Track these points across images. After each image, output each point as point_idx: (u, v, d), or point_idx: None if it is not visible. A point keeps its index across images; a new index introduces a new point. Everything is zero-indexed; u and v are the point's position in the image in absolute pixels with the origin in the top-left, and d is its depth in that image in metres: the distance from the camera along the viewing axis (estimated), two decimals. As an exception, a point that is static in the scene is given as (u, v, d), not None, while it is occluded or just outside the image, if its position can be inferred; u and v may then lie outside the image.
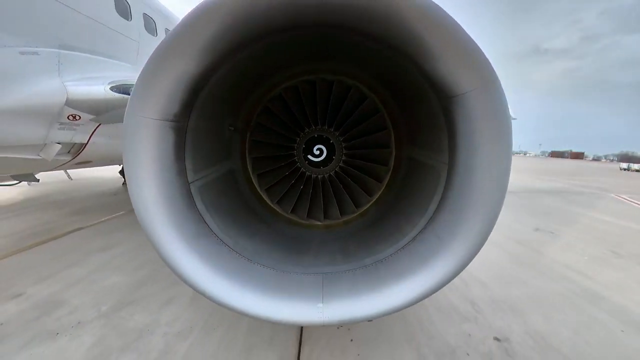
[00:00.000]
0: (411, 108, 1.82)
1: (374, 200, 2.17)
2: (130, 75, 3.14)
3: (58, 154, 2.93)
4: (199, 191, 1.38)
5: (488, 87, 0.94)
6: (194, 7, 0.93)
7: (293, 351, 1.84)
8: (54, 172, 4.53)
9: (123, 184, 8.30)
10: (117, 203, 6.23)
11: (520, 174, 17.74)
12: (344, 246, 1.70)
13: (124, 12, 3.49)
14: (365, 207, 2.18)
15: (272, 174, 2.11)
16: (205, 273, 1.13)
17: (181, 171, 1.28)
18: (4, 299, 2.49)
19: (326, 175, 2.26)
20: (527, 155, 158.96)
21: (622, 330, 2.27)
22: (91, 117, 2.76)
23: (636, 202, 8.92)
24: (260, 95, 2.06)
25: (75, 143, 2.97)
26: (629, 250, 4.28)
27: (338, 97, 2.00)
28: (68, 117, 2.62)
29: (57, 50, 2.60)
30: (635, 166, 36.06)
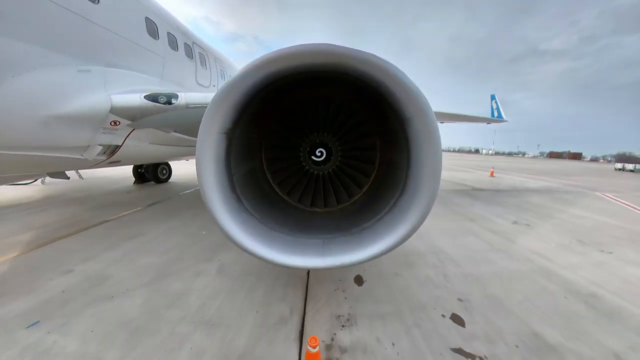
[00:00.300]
0: (386, 123, 2.38)
1: (363, 191, 2.72)
2: (158, 86, 3.68)
3: (98, 154, 3.47)
4: (237, 181, 1.95)
5: (424, 114, 1.49)
6: (240, 71, 1.52)
7: (300, 305, 2.39)
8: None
9: (134, 182, 8.75)
10: (133, 200, 6.74)
11: (515, 174, 18.31)
12: (338, 223, 2.27)
13: (153, 32, 4.04)
14: (356, 197, 2.73)
15: (283, 172, 2.68)
16: (242, 235, 1.67)
17: (228, 167, 1.82)
18: (58, 274, 3.01)
19: (326, 172, 2.81)
20: (526, 155, 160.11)
21: (565, 297, 2.82)
22: (128, 122, 3.30)
23: (618, 199, 9.47)
24: (274, 111, 2.61)
25: (112, 145, 3.51)
26: (594, 239, 4.84)
27: (334, 111, 2.57)
28: (110, 123, 3.17)
29: (103, 67, 3.15)
30: (630, 166, 36.76)
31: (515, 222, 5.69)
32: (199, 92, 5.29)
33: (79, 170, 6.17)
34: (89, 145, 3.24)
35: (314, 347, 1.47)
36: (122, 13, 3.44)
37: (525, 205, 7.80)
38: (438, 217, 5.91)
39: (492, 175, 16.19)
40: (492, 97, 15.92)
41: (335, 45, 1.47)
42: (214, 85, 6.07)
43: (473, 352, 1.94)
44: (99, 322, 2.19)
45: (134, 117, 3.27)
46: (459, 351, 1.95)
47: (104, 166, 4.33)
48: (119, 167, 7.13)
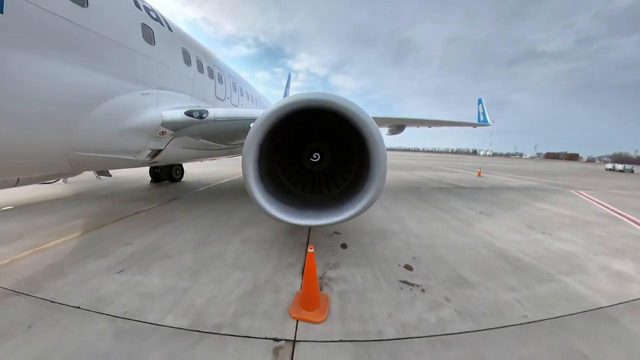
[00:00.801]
0: (357, 139, 3.49)
1: (347, 183, 3.82)
2: (191, 103, 4.80)
3: (146, 156, 4.56)
4: (263, 175, 3.09)
5: (373, 137, 2.62)
6: (270, 109, 2.66)
7: (302, 258, 3.48)
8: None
9: (151, 181, 9.77)
10: (155, 196, 7.79)
11: (502, 174, 19.45)
12: (328, 202, 3.38)
13: (187, 60, 5.16)
14: (342, 187, 3.83)
15: (290, 169, 3.80)
16: (267, 206, 2.81)
17: (259, 166, 2.94)
18: (121, 245, 4.06)
19: (320, 170, 3.93)
20: (524, 157, 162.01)
21: (493, 259, 3.90)
22: (171, 132, 4.40)
23: (588, 196, 10.51)
24: (286, 129, 3.72)
25: (156, 149, 4.60)
26: (542, 225, 5.91)
27: (326, 128, 3.69)
28: (159, 133, 4.26)
29: (156, 90, 4.25)
30: (619, 166, 38.17)
31: (480, 212, 6.80)
32: (217, 104, 6.41)
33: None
34: (141, 150, 4.34)
35: (311, 249, 2.54)
36: (169, 49, 4.58)
37: (497, 200, 8.89)
38: (416, 208, 7.02)
39: (479, 175, 17.36)
40: (479, 101, 17.06)
41: (326, 94, 2.62)
42: (228, 98, 7.23)
43: (413, 283, 3.03)
44: (167, 268, 3.27)
45: (176, 128, 4.38)
46: (404, 282, 3.04)
47: (144, 166, 5.42)
48: (127, 169, 8.03)
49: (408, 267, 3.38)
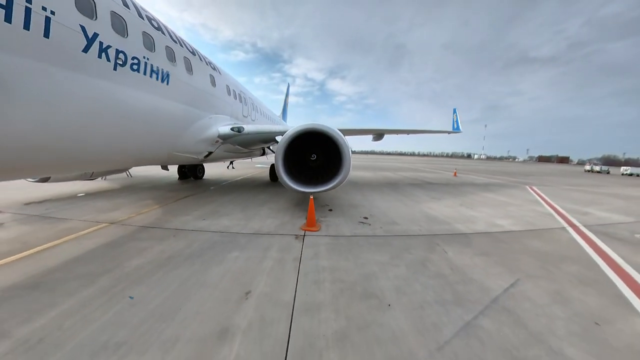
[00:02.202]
0: (336, 147, 6.15)
1: (333, 173, 6.46)
2: (233, 122, 7.48)
3: (204, 157, 7.15)
4: (287, 167, 5.74)
5: (343, 147, 5.36)
6: (288, 133, 5.39)
7: (305, 214, 6.07)
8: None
9: (179, 178, 12.24)
10: (190, 188, 10.22)
11: (477, 175, 22.26)
12: (320, 182, 6.04)
13: (228, 92, 7.86)
14: (331, 176, 6.46)
15: (300, 164, 6.47)
16: (290, 182, 5.55)
17: (285, 162, 5.60)
18: (192, 211, 6.54)
19: (316, 165, 6.58)
20: (517, 160, 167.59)
21: (420, 217, 6.51)
22: (222, 141, 7.01)
23: (536, 190, 12.81)
24: (297, 142, 6.39)
25: (210, 152, 7.19)
26: (472, 205, 8.48)
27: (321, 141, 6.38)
28: (215, 142, 6.87)
29: (215, 115, 6.90)
30: (597, 168, 41.64)
31: (433, 198, 9.45)
32: (244, 121, 9.10)
33: (129, 171, 9.52)
34: (203, 152, 6.94)
35: (311, 198, 5.24)
36: (221, 87, 7.26)
37: (454, 191, 11.53)
38: (387, 194, 9.67)
39: (454, 175, 20.15)
40: (454, 111, 19.95)
41: (319, 124, 5.34)
42: (249, 116, 9.93)
43: (366, 222, 5.66)
44: (229, 219, 5.82)
45: (225, 139, 7.01)
46: (361, 222, 5.66)
47: (197, 162, 8.02)
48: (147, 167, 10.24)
49: (365, 217, 6.03)
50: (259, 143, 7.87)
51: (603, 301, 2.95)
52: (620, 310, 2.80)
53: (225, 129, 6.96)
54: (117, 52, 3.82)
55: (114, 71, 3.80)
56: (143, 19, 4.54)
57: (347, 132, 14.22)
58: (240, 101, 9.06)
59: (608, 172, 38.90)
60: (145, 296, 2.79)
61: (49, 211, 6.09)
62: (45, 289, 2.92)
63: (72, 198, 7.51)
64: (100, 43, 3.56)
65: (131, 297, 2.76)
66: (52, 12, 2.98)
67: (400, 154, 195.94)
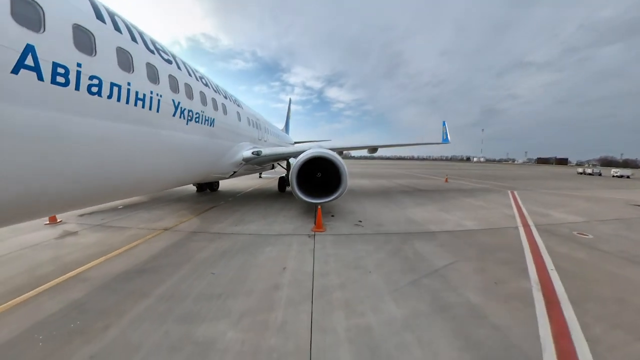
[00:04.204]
0: (335, 168, 8.03)
1: (335, 188, 8.30)
2: (252, 145, 9.44)
3: (230, 175, 9.02)
4: (300, 182, 7.60)
5: (341, 168, 7.22)
6: (300, 157, 7.29)
7: (314, 220, 7.88)
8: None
9: (197, 190, 13.96)
10: (211, 200, 11.95)
11: (467, 180, 24.04)
12: (323, 195, 7.87)
13: (248, 122, 9.82)
14: (332, 190, 8.30)
15: (308, 182, 8.34)
16: (302, 195, 7.37)
17: (300, 178, 7.45)
18: (223, 219, 8.36)
19: (321, 181, 8.44)
20: (516, 162, 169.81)
21: (402, 220, 8.31)
22: (245, 163, 8.89)
23: (514, 195, 14.55)
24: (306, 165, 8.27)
25: (235, 171, 9.05)
26: (449, 209, 10.26)
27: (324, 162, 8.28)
28: (240, 163, 8.75)
29: (241, 143, 8.83)
30: (589, 170, 43.46)
31: (417, 204, 11.26)
32: (259, 144, 11.03)
33: None
34: (230, 172, 8.81)
35: (319, 208, 7.08)
36: (245, 120, 9.22)
37: (438, 197, 13.24)
38: (377, 202, 11.48)
39: (446, 181, 21.96)
40: (443, 124, 21.89)
41: (323, 150, 7.28)
42: (262, 138, 11.90)
43: (360, 224, 7.47)
44: (255, 225, 7.62)
45: (247, 161, 8.91)
46: (356, 225, 7.47)
47: (225, 179, 9.90)
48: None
49: (360, 221, 7.89)
50: (273, 161, 9.78)
51: (509, 272, 4.71)
52: (517, 277, 4.50)
53: (247, 153, 8.89)
54: (188, 111, 5.73)
55: (186, 125, 5.71)
56: (198, 80, 6.49)
57: (346, 148, 16.14)
58: (255, 127, 11.06)
59: (600, 174, 40.64)
60: (222, 272, 4.60)
61: (105, 221, 7.72)
62: (150, 273, 4.61)
63: (115, 210, 9.15)
64: (181, 108, 5.51)
65: (213, 273, 4.54)
66: (174, 100, 5.05)
67: (400, 158, 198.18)
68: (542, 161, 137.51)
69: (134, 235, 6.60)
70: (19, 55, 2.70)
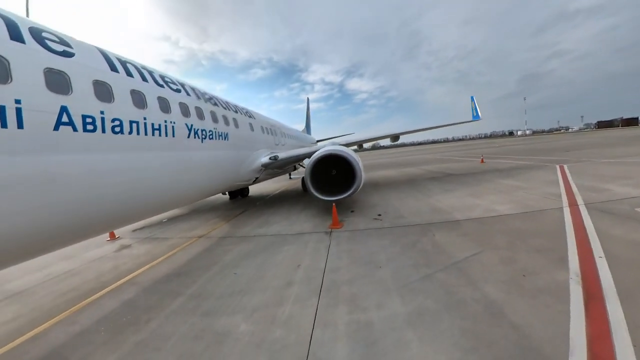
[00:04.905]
0: (350, 165, 7.81)
1: (350, 185, 8.11)
2: (269, 151, 9.79)
3: (252, 181, 9.47)
4: (315, 180, 7.67)
5: (354, 164, 7.16)
6: (313, 158, 7.36)
7: (331, 217, 7.86)
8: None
9: (229, 198, 14.75)
10: (240, 206, 12.58)
11: (507, 158, 21.46)
12: (339, 191, 7.76)
13: (263, 130, 10.23)
14: (347, 187, 8.13)
15: (323, 180, 8.35)
16: (317, 193, 7.47)
17: (314, 177, 7.56)
18: (248, 224, 8.83)
19: (337, 177, 8.36)
20: (570, 130, 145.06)
21: (426, 210, 7.78)
22: (264, 168, 9.26)
23: (563, 169, 12.50)
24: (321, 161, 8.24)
25: (257, 177, 9.47)
26: (480, 194, 9.22)
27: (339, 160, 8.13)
28: (260, 170, 9.13)
29: (257, 151, 9.25)
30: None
31: (446, 190, 10.39)
32: (276, 149, 11.36)
33: None
34: (252, 178, 9.26)
35: (334, 205, 7.11)
36: (258, 129, 9.64)
37: (470, 181, 12.01)
38: (402, 192, 10.92)
39: (482, 162, 19.88)
40: (472, 99, 19.85)
41: (336, 148, 7.40)
42: (279, 143, 12.22)
43: (378, 219, 7.21)
44: (279, 226, 7.88)
45: (266, 167, 9.27)
46: (374, 219, 7.24)
47: (245, 186, 10.44)
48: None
49: (379, 215, 7.62)
50: (292, 163, 9.99)
51: (544, 261, 4.09)
52: (553, 267, 3.85)
53: (265, 159, 9.25)
54: (201, 130, 6.25)
55: (202, 144, 6.20)
56: (207, 101, 6.97)
57: (365, 141, 15.67)
58: (271, 134, 11.52)
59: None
60: (243, 272, 4.92)
61: (153, 234, 8.70)
62: (185, 276, 5.15)
63: (161, 223, 10.17)
64: (194, 129, 6.05)
65: (235, 273, 4.87)
66: (186, 124, 5.60)
67: (433, 142, 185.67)
68: (604, 125, 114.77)
69: (173, 245, 7.33)
70: (57, 115, 3.34)
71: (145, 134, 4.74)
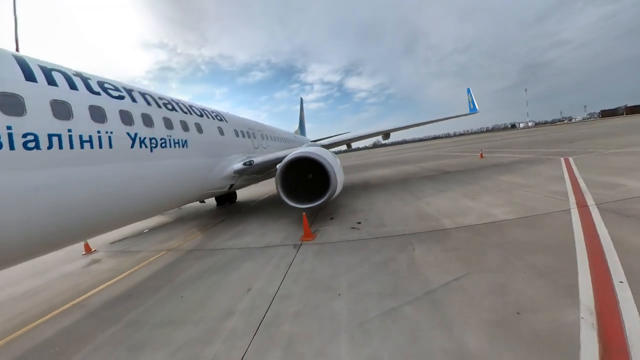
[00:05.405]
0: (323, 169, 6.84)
1: (323, 189, 7.12)
2: (245, 156, 8.89)
3: (227, 188, 8.60)
4: (286, 186, 6.77)
5: (327, 167, 6.30)
6: (286, 159, 6.58)
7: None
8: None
9: (217, 205, 13.83)
10: (224, 213, 11.88)
11: (508, 151, 20.04)
12: (311, 199, 6.80)
13: (237, 134, 9.36)
14: (322, 193, 7.14)
15: (301, 184, 7.39)
16: (288, 199, 6.60)
17: (284, 182, 6.67)
18: (222, 235, 7.99)
19: (313, 181, 7.39)
20: (573, 120, 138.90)
21: (412, 215, 6.75)
22: (238, 175, 8.37)
23: (568, 162, 11.10)
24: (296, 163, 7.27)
25: (232, 184, 8.60)
26: (476, 193, 8.10)
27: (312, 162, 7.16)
28: (233, 177, 8.24)
29: (229, 157, 8.37)
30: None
31: (438, 190, 9.30)
32: (255, 152, 10.44)
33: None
34: (226, 185, 8.38)
35: (304, 215, 6.17)
36: (229, 133, 8.75)
37: (467, 179, 10.80)
38: (392, 194, 9.87)
39: (481, 157, 18.55)
40: (468, 92, 18.51)
41: (308, 151, 6.43)
42: (259, 146, 11.29)
43: (356, 228, 6.23)
44: (250, 237, 7.00)
45: (240, 173, 8.40)
46: (352, 228, 6.26)
47: (225, 193, 9.56)
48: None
49: (358, 223, 6.65)
50: (272, 167, 9.06)
51: (544, 292, 3.02)
52: (557, 301, 2.82)
53: (238, 165, 8.35)
54: (150, 139, 5.42)
55: (151, 153, 5.39)
56: (161, 107, 6.10)
57: (352, 140, 14.63)
58: (249, 137, 10.57)
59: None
60: (189, 296, 4.27)
61: (127, 247, 8.08)
62: (134, 298, 4.54)
63: (141, 234, 9.48)
64: (140, 138, 5.27)
65: (182, 296, 4.26)
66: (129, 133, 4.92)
67: (435, 137, 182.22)
68: (607, 114, 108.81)
69: (142, 259, 6.70)
70: None
71: (71, 147, 4.09)
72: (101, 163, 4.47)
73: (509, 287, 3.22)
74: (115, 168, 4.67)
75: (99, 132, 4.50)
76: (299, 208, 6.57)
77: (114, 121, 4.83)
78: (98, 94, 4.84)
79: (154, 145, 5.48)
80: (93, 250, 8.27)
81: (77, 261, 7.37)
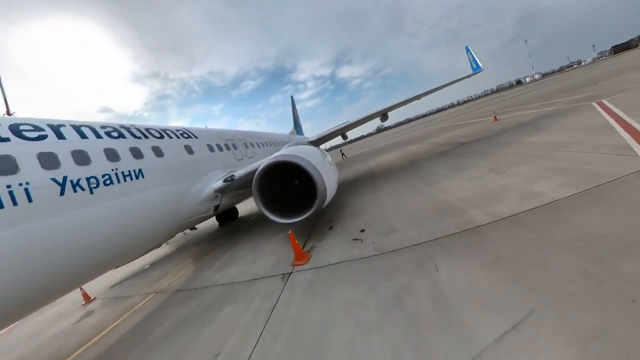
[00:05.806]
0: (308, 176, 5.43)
1: (313, 201, 5.71)
2: (224, 172, 7.72)
3: (213, 210, 7.47)
4: (266, 199, 5.53)
5: (312, 172, 4.94)
6: (263, 164, 5.42)
7: (304, 241, 5.62)
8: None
9: (219, 225, 12.78)
10: (223, 234, 10.46)
11: (523, 110, 17.52)
12: (295, 212, 5.48)
13: (212, 149, 8.13)
14: (308, 207, 5.71)
15: (285, 193, 6.09)
16: (270, 215, 5.41)
17: (263, 193, 5.49)
18: (211, 266, 6.86)
19: (300, 189, 6.05)
20: (583, 63, 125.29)
21: (428, 212, 5.20)
22: (221, 194, 7.21)
23: (606, 106, 8.92)
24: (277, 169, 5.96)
25: (217, 204, 7.46)
26: (505, 166, 6.29)
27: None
28: (215, 196, 7.10)
29: (206, 176, 7.21)
30: None
31: (456, 169, 7.55)
32: (239, 164, 9.10)
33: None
34: (210, 208, 7.27)
35: (290, 232, 4.90)
36: (201, 150, 7.58)
37: (487, 149, 8.89)
38: (401, 182, 8.30)
39: (495, 120, 16.27)
40: (467, 50, 16.15)
41: (288, 154, 5.20)
42: (244, 156, 10.00)
43: (360, 239, 4.84)
44: (237, 267, 5.84)
45: (222, 191, 7.23)
46: (355, 239, 4.89)
47: (214, 215, 8.44)
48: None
49: (362, 230, 5.22)
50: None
51: None
52: None
53: (218, 183, 7.16)
54: (87, 179, 4.34)
55: (91, 195, 4.34)
56: (101, 137, 5.00)
57: (347, 128, 13.04)
58: (229, 149, 9.24)
59: None
60: None
61: (122, 291, 7.39)
62: None
63: (142, 272, 8.69)
64: (71, 181, 4.17)
65: None
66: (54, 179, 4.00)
67: (439, 110, 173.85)
68: (620, 48, 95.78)
69: (130, 306, 6.09)
70: None
71: None
72: (16, 224, 3.41)
73: (613, 337, 1.74)
74: (39, 226, 3.60)
75: (8, 186, 3.45)
76: (282, 224, 5.38)
77: (30, 169, 3.78)
78: (6, 140, 3.80)
79: (94, 186, 4.36)
80: (92, 298, 7.87)
81: (74, 314, 7.01)
